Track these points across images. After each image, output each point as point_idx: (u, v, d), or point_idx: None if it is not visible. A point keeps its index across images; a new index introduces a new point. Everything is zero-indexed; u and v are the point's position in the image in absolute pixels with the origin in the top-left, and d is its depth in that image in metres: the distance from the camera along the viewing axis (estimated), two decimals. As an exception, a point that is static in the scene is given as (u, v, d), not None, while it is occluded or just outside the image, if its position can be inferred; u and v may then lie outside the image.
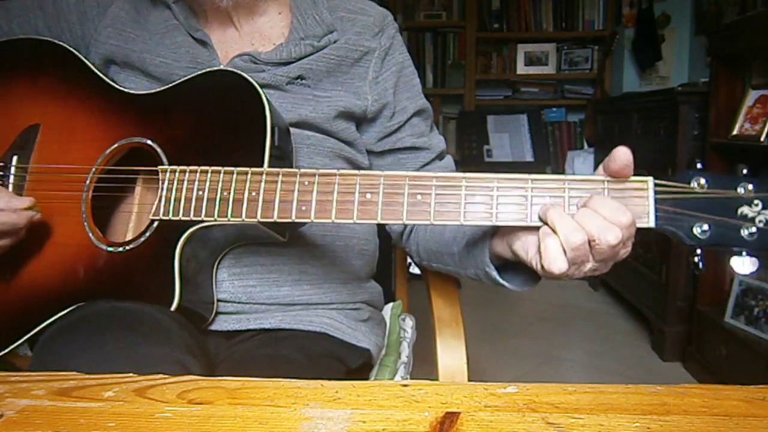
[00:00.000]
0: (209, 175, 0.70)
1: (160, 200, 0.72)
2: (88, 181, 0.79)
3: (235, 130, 0.75)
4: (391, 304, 1.14)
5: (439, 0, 4.00)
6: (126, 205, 0.84)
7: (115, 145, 0.80)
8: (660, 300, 2.46)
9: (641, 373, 2.31)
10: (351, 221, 0.64)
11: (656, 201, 0.60)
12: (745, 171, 0.59)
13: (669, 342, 2.39)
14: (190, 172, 0.71)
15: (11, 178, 0.82)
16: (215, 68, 0.81)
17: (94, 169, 0.79)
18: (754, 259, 0.58)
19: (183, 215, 0.71)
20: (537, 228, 0.61)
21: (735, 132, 2.03)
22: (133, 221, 0.83)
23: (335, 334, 0.87)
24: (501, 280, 0.73)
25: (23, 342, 0.77)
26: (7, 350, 0.77)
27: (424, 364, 1.03)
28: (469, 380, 0.95)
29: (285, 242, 0.80)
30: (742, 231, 0.58)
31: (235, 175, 0.69)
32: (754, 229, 0.58)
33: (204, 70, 0.79)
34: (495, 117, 3.89)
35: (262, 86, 0.75)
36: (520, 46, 4.03)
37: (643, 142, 2.70)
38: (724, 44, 2.14)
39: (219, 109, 0.77)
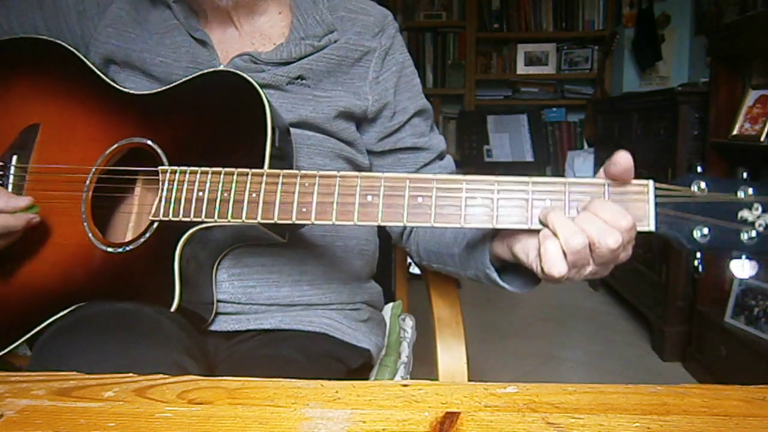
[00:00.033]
0: (209, 176, 0.70)
1: (160, 201, 0.72)
2: (87, 182, 0.79)
3: (236, 131, 0.75)
4: (391, 304, 1.14)
5: (439, 0, 4.00)
6: (126, 205, 0.84)
7: (115, 146, 0.80)
8: (660, 300, 2.46)
9: (641, 373, 2.31)
10: (351, 223, 0.64)
11: (656, 204, 0.60)
12: (745, 174, 0.59)
13: (669, 342, 2.39)
14: (190, 172, 0.71)
15: (11, 178, 0.82)
16: (216, 69, 0.80)
17: (94, 170, 0.79)
18: (753, 262, 0.58)
19: (183, 216, 0.70)
20: (537, 231, 0.61)
21: (735, 132, 2.03)
22: (132, 221, 0.83)
23: (335, 335, 0.87)
24: (501, 282, 0.72)
25: (22, 342, 0.77)
26: (6, 350, 0.77)
27: (424, 364, 1.03)
28: (469, 380, 0.95)
29: (285, 243, 0.80)
30: (741, 235, 0.58)
31: (235, 176, 0.69)
32: (753, 233, 0.58)
33: (204, 71, 0.79)
34: (495, 117, 3.89)
35: (262, 86, 0.75)
36: (520, 46, 4.03)
37: (643, 142, 2.70)
38: (724, 44, 2.14)
39: (219, 109, 0.77)
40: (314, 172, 0.66)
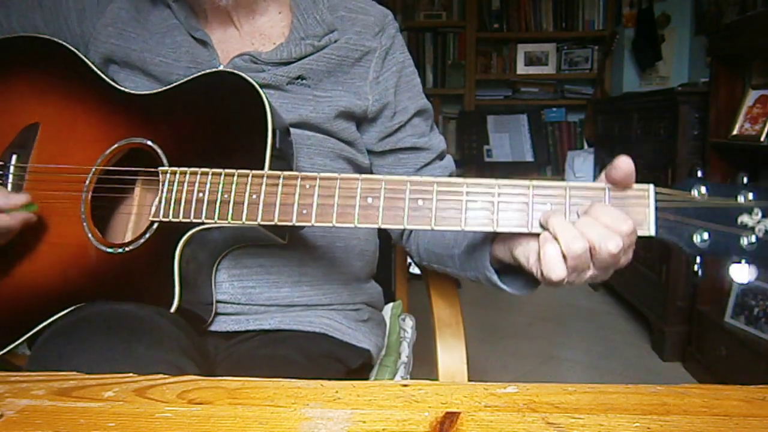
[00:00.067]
0: (210, 177, 0.70)
1: (160, 202, 0.72)
2: (87, 182, 0.79)
3: (236, 132, 0.75)
4: (391, 304, 1.14)
5: (439, 0, 4.00)
6: (125, 206, 0.84)
7: (115, 146, 0.80)
8: (660, 300, 2.46)
9: (641, 373, 2.31)
10: (352, 226, 0.64)
11: (657, 209, 0.60)
12: (745, 179, 0.59)
13: (669, 342, 2.39)
14: (191, 173, 0.71)
15: (10, 178, 0.82)
16: (216, 69, 0.80)
17: (93, 170, 0.79)
18: (753, 267, 0.58)
19: (183, 217, 0.70)
20: (538, 235, 0.61)
21: (735, 132, 2.03)
22: (132, 222, 0.83)
23: (335, 335, 0.87)
24: (502, 285, 0.72)
25: (22, 342, 0.77)
26: (5, 350, 0.77)
27: (424, 364, 1.03)
28: (469, 380, 0.95)
29: (285, 244, 0.80)
30: (741, 240, 0.58)
31: (235, 178, 0.68)
32: (753, 239, 0.58)
33: (205, 71, 0.79)
34: (495, 117, 3.89)
35: (262, 86, 0.75)
36: (520, 46, 4.03)
37: (643, 142, 2.70)
38: (724, 44, 2.14)
39: (220, 110, 0.77)
40: (314, 174, 0.66)
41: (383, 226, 0.64)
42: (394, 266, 1.23)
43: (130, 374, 0.53)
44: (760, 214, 0.58)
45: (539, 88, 4.04)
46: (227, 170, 0.69)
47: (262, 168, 0.71)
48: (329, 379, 0.53)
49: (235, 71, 0.77)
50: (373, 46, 0.89)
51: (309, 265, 0.87)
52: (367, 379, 0.96)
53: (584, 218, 0.59)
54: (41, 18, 0.92)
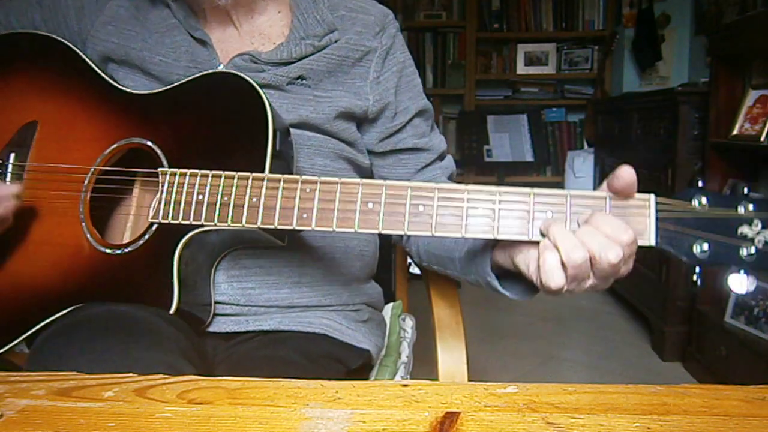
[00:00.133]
0: (210, 179, 0.69)
1: (159, 203, 0.72)
2: (86, 182, 0.79)
3: (236, 133, 0.75)
4: (391, 305, 1.14)
5: (439, 0, 4.00)
6: (123, 206, 0.84)
7: (114, 146, 0.79)
8: (660, 300, 2.46)
9: (641, 373, 2.31)
10: (352, 230, 0.64)
11: (657, 219, 0.60)
12: (746, 189, 0.59)
13: (669, 342, 2.39)
14: (191, 175, 0.71)
15: (8, 176, 0.82)
16: (216, 70, 0.80)
17: (93, 170, 0.79)
18: (751, 278, 0.58)
19: (183, 219, 0.70)
20: (539, 242, 0.61)
21: (735, 132, 2.03)
22: (130, 222, 0.83)
23: (335, 335, 0.87)
24: (502, 290, 0.72)
25: (20, 341, 0.77)
26: (3, 349, 0.77)
27: (424, 364, 1.03)
28: (469, 380, 0.95)
29: (284, 246, 0.79)
30: (741, 251, 0.58)
31: (235, 180, 0.68)
32: (753, 250, 0.58)
33: (205, 72, 0.79)
34: (495, 117, 3.89)
35: (261, 86, 0.75)
36: (520, 46, 4.03)
37: (643, 142, 2.70)
38: (724, 44, 2.14)
39: (220, 111, 0.77)
40: (315, 178, 0.66)
41: (384, 232, 0.64)
42: (394, 266, 1.23)
43: (130, 374, 0.53)
44: (760, 225, 0.58)
45: (539, 88, 4.04)
46: (227, 172, 0.69)
47: (263, 169, 0.71)
48: (329, 379, 0.53)
49: (236, 72, 0.76)
50: (374, 46, 0.89)
51: (309, 266, 0.87)
52: (367, 379, 0.96)
53: (585, 227, 0.59)
54: (40, 16, 0.92)
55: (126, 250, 0.75)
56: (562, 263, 0.58)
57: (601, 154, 3.45)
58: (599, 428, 0.45)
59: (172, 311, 0.73)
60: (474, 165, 3.96)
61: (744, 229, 0.58)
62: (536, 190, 0.62)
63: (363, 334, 0.91)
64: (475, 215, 0.62)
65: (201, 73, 0.79)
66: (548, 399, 0.49)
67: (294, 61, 0.85)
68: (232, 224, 0.68)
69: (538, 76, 4.03)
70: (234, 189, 0.68)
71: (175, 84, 0.80)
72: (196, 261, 0.77)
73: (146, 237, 0.74)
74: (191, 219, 0.70)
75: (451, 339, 0.97)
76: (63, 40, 0.86)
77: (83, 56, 0.85)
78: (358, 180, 0.65)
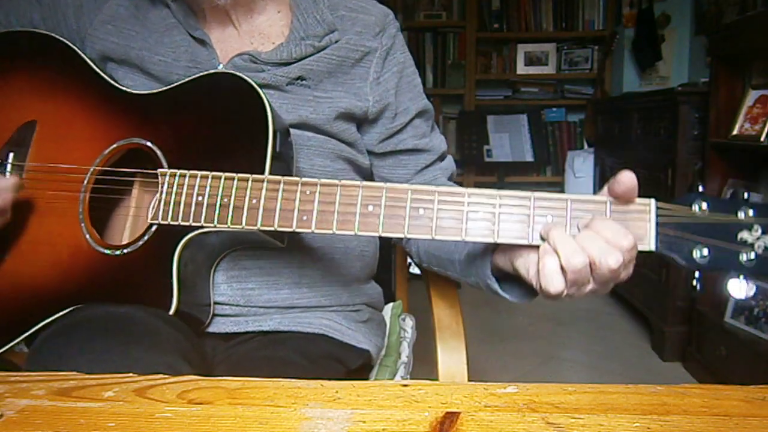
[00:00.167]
0: (209, 180, 0.69)
1: (159, 204, 0.72)
2: (85, 182, 0.79)
3: (236, 134, 0.75)
4: (391, 305, 1.14)
5: (439, 0, 4.00)
6: (122, 207, 0.84)
7: (114, 146, 0.79)
8: (660, 300, 2.46)
9: (641, 373, 2.31)
10: (352, 233, 0.64)
11: (657, 224, 0.60)
12: (746, 195, 0.60)
13: (669, 342, 2.39)
14: (190, 176, 0.71)
15: (7, 176, 0.82)
16: (216, 70, 0.80)
17: (92, 170, 0.79)
18: (751, 284, 0.58)
19: (182, 220, 0.70)
20: (539, 246, 0.61)
21: (735, 132, 2.03)
22: (129, 223, 0.83)
23: (335, 336, 0.87)
24: (503, 293, 0.72)
25: (19, 342, 0.77)
26: (3, 350, 0.77)
27: (424, 364, 1.03)
28: (469, 380, 0.95)
29: (283, 247, 0.79)
30: (741, 256, 0.58)
31: (235, 182, 0.68)
32: (753, 255, 0.58)
33: (205, 72, 0.78)
34: (495, 117, 3.89)
35: (261, 86, 0.74)
36: (520, 46, 4.03)
37: (643, 142, 2.70)
38: (724, 44, 2.14)
39: (220, 112, 0.77)
40: (315, 180, 0.66)
41: (383, 235, 0.64)
42: (394, 266, 1.23)
43: (130, 374, 0.53)
44: (759, 231, 0.58)
45: (539, 88, 4.04)
46: (227, 174, 0.69)
47: (263, 170, 0.71)
48: (329, 379, 0.53)
49: (236, 72, 0.76)
50: (374, 47, 0.89)
51: (308, 267, 0.87)
52: (367, 379, 0.96)
53: (585, 232, 0.59)
54: (39, 15, 0.91)
55: (125, 251, 0.75)
56: (562, 268, 0.58)
57: (601, 154, 3.45)
58: (599, 428, 0.45)
59: (171, 312, 0.73)
60: (474, 165, 3.96)
61: (744, 235, 0.58)
62: (537, 194, 0.62)
63: (363, 334, 0.91)
64: (475, 219, 0.62)
65: (201, 74, 0.78)
66: (548, 399, 0.49)
67: (294, 62, 0.84)
68: (231, 226, 0.68)
69: (538, 76, 4.03)
70: (234, 190, 0.68)
71: (175, 84, 0.80)
72: (196, 262, 0.77)
73: (145, 238, 0.74)
74: (191, 220, 0.70)
75: (451, 339, 0.97)
76: (62, 39, 0.86)
77: (82, 55, 0.85)
78: (358, 183, 0.65)
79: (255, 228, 0.67)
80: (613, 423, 0.46)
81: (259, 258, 0.83)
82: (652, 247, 0.60)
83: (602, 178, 3.37)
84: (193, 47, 0.85)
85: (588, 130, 3.78)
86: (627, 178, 0.59)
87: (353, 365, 0.88)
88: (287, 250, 0.83)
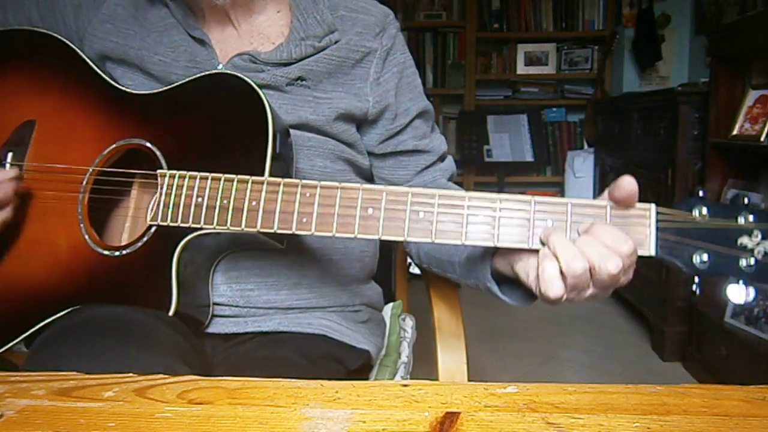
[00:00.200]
0: (209, 181, 0.69)
1: (158, 205, 0.71)
2: (84, 182, 0.79)
3: (236, 134, 0.74)
4: (391, 305, 1.14)
5: (439, 0, 4.00)
6: (121, 207, 0.84)
7: (113, 146, 0.79)
8: (660, 300, 2.46)
9: (641, 373, 2.31)
10: (352, 236, 0.64)
11: (658, 229, 0.60)
12: (746, 200, 0.59)
13: (669, 342, 2.39)
14: (190, 177, 0.70)
15: (7, 167, 0.81)
16: (216, 71, 0.80)
17: (91, 170, 0.79)
18: (750, 289, 0.58)
19: (182, 222, 0.70)
20: (539, 251, 0.61)
21: (735, 132, 2.03)
22: (128, 223, 0.82)
23: (334, 336, 0.87)
24: (502, 296, 0.72)
25: (18, 342, 0.77)
26: (2, 350, 0.77)
27: (424, 364, 1.03)
28: (469, 380, 0.95)
29: (283, 248, 0.79)
30: (740, 261, 0.58)
31: (235, 183, 0.68)
32: (752, 261, 0.58)
33: (205, 72, 0.78)
34: (495, 117, 3.89)
35: (261, 86, 0.74)
36: (520, 46, 4.03)
37: (643, 142, 2.70)
38: (724, 44, 2.14)
39: (220, 113, 0.77)
40: (315, 182, 0.65)
41: (383, 238, 0.64)
42: (394, 266, 1.23)
43: (130, 374, 0.53)
44: (759, 236, 0.58)
45: (539, 88, 4.04)
46: (227, 175, 0.68)
47: (263, 171, 0.70)
48: (329, 380, 0.53)
49: (236, 73, 0.76)
50: (374, 47, 0.89)
51: (308, 268, 0.87)
52: (366, 379, 0.96)
53: (585, 237, 0.59)
54: (38, 13, 0.91)
55: (124, 252, 0.75)
56: (562, 273, 0.58)
57: (601, 154, 3.45)
58: (599, 428, 0.45)
59: (171, 313, 0.73)
60: (474, 165, 3.95)
61: (744, 240, 0.58)
62: (537, 198, 0.62)
63: (362, 334, 0.91)
64: (475, 222, 0.62)
65: (200, 74, 0.78)
66: (548, 399, 0.49)
67: (294, 62, 0.84)
68: (231, 227, 0.68)
69: (538, 76, 4.03)
70: (233, 192, 0.68)
71: (175, 84, 0.80)
72: (195, 263, 0.76)
73: (145, 239, 0.74)
74: (190, 222, 0.69)
75: (451, 339, 0.97)
76: (61, 38, 0.86)
77: (81, 54, 0.85)
78: (358, 185, 0.64)
79: (255, 230, 0.67)
80: (613, 423, 0.46)
81: (259, 259, 0.83)
82: (652, 253, 0.60)
83: (602, 178, 3.38)
84: (192, 47, 0.85)
85: (588, 130, 3.78)
86: (627, 183, 0.59)
87: (353, 365, 0.88)
88: (287, 251, 0.83)
